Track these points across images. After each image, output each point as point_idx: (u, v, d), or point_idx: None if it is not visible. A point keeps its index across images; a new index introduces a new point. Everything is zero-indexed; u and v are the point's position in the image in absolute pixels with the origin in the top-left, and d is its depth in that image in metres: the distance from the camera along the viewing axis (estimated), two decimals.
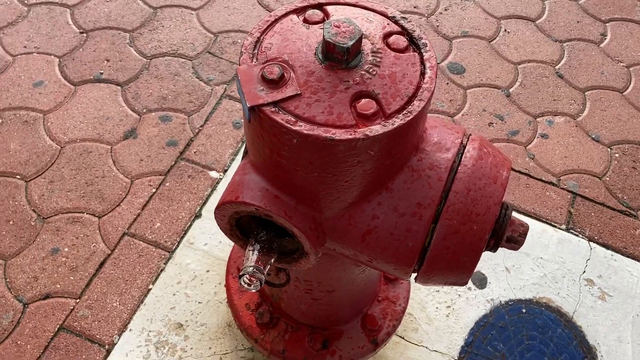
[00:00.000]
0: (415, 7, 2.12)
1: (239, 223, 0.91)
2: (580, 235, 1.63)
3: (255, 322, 1.22)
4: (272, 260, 0.85)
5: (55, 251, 1.47)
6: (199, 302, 1.42)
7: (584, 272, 1.57)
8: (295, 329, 1.22)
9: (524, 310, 1.49)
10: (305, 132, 0.71)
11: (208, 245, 1.51)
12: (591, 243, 1.62)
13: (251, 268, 0.80)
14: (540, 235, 1.61)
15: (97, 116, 1.73)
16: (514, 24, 2.11)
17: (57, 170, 1.61)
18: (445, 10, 2.12)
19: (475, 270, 1.41)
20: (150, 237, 1.51)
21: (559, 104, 1.90)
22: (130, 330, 1.37)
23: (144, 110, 1.76)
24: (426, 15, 2.10)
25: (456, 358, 1.41)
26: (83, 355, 1.33)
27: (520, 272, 1.55)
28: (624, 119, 1.88)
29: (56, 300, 1.40)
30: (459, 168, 0.84)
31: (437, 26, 2.07)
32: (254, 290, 0.81)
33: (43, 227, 1.50)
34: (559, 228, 1.64)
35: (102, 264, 1.46)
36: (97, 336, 1.36)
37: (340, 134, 0.72)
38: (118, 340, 1.36)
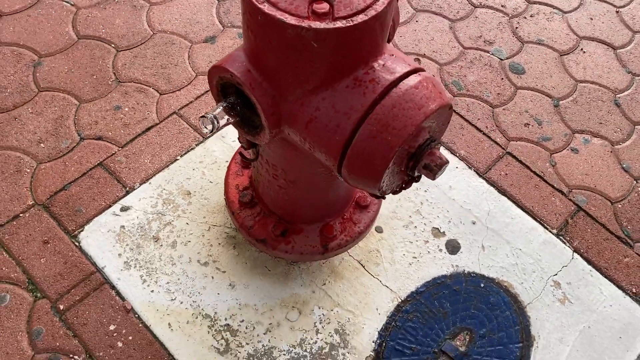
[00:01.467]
0: (502, 6, 2.23)
1: (225, 90, 1.14)
2: (568, 244, 1.70)
3: (238, 199, 1.46)
4: (231, 120, 1.08)
5: (118, 108, 1.79)
6: (210, 182, 1.68)
7: (556, 274, 1.65)
8: (267, 214, 1.44)
9: (482, 285, 1.61)
10: (266, 10, 0.93)
11: (235, 142, 1.77)
12: (575, 254, 1.69)
13: (210, 114, 1.04)
14: (528, 230, 1.71)
15: (190, 18, 2.03)
16: (593, 46, 2.15)
17: (143, 50, 1.93)
18: (531, 16, 2.21)
19: (451, 238, 1.57)
20: (193, 121, 1.79)
21: (603, 128, 1.95)
22: (149, 183, 1.67)
23: (229, 25, 2.04)
24: (510, 15, 2.20)
25: (402, 299, 1.56)
26: (108, 188, 1.64)
27: (494, 253, 1.66)
28: None
29: (104, 143, 1.72)
30: (394, 89, 1.01)
31: (516, 28, 2.17)
32: (205, 132, 1.04)
33: (116, 87, 1.83)
34: (550, 231, 1.72)
35: (148, 129, 1.77)
36: (124, 179, 1.66)
37: (290, 19, 0.92)
38: (138, 187, 1.65)
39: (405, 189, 1.19)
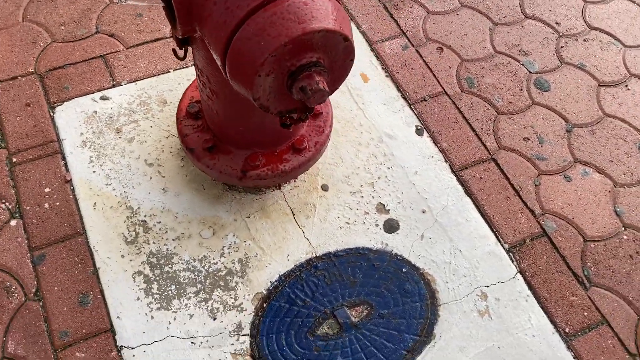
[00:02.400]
0: (556, 23, 2.11)
1: None
2: (515, 262, 1.59)
3: (186, 109, 1.52)
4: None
5: (139, 15, 1.93)
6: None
7: (487, 286, 1.55)
8: (205, 129, 1.49)
9: (404, 270, 1.56)
10: None
11: None
12: (518, 274, 1.58)
13: None
14: (478, 237, 1.62)
15: None
16: None
17: None
18: (584, 40, 2.07)
19: (393, 218, 1.54)
20: None
21: (612, 166, 1.79)
22: (135, 84, 1.78)
23: None
24: (560, 34, 2.08)
25: (316, 255, 1.55)
26: (98, 78, 1.77)
27: (431, 246, 1.59)
28: None
29: (114, 40, 1.86)
30: (286, 0, 1.02)
31: (561, 47, 2.04)
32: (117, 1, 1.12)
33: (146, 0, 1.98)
34: (501, 244, 1.62)
35: (157, 40, 1.89)
36: (115, 74, 1.79)
37: None
38: (124, 84, 1.78)
39: (302, 120, 1.19)
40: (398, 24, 2.02)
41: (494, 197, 1.69)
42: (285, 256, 1.54)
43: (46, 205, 1.55)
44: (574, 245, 1.64)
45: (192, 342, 1.40)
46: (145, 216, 1.55)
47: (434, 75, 1.91)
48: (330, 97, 1.37)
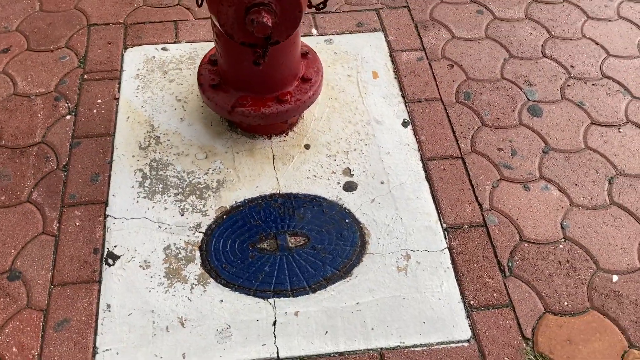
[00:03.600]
0: (571, 66, 2.30)
1: None
2: (447, 240, 1.79)
3: (209, 57, 1.94)
4: None
5: None
6: None
7: (414, 251, 1.77)
8: (218, 73, 1.90)
9: (347, 220, 1.83)
10: None
11: None
12: (446, 250, 1.78)
13: None
14: (422, 212, 1.84)
15: None
16: (634, 132, 2.10)
17: None
18: (593, 84, 2.24)
19: (353, 181, 1.84)
20: None
21: (574, 188, 1.93)
22: (192, 44, 2.25)
23: None
24: (571, 75, 2.26)
25: (279, 193, 1.87)
26: (167, 33, 2.27)
27: (377, 209, 1.85)
28: (615, 244, 1.82)
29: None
30: None
31: (567, 85, 2.22)
32: None
33: None
34: (440, 223, 1.83)
35: None
36: (180, 33, 2.28)
37: None
38: (184, 43, 2.26)
39: (261, 57, 1.55)
40: (421, 41, 2.33)
41: (449, 186, 1.91)
42: (255, 187, 1.87)
43: (94, 111, 2.03)
44: (509, 240, 1.80)
45: (159, 226, 1.77)
46: (160, 133, 1.98)
47: (437, 84, 2.19)
48: (338, 82, 1.72)
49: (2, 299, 1.62)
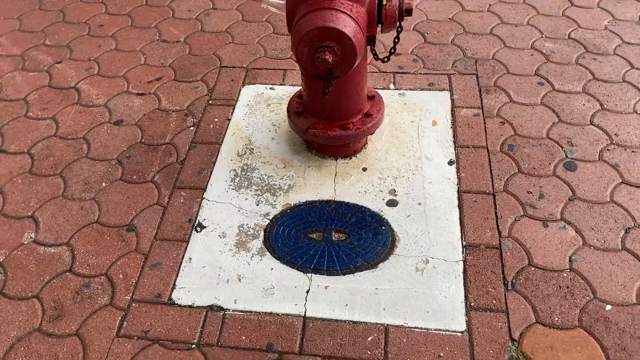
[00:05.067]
0: (615, 134, 2.58)
1: None
2: (463, 254, 2.15)
3: (299, 92, 2.53)
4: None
5: None
6: None
7: (433, 258, 2.15)
8: (304, 103, 2.47)
9: (383, 227, 2.25)
10: None
11: None
12: (461, 262, 2.13)
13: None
14: (448, 232, 2.22)
15: None
16: None
17: None
18: (633, 152, 2.50)
19: (396, 200, 2.29)
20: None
21: (591, 232, 2.19)
22: (292, 86, 2.87)
23: None
24: (613, 142, 2.54)
25: (335, 200, 2.35)
26: (276, 77, 2.92)
27: (410, 222, 2.26)
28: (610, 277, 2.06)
29: None
30: (323, 10, 1.99)
31: (607, 149, 2.51)
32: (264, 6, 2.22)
33: None
34: (461, 240, 2.19)
35: None
36: (287, 77, 2.92)
37: None
38: (285, 83, 2.88)
39: (327, 87, 2.10)
40: (481, 101, 2.75)
41: (476, 214, 2.27)
42: (316, 193, 2.37)
43: (211, 126, 2.68)
44: (517, 262, 2.11)
45: (238, 210, 2.32)
46: (254, 147, 2.57)
47: (486, 135, 2.58)
48: (401, 125, 2.24)
49: (120, 243, 2.23)
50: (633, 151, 2.48)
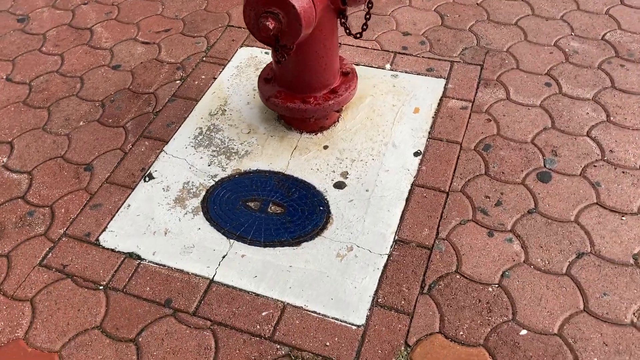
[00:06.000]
0: (610, 151, 2.33)
1: None
2: (391, 248, 2.06)
3: (264, 77, 2.49)
4: None
5: None
6: None
7: (358, 246, 2.07)
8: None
9: (321, 208, 2.20)
10: None
11: None
12: (385, 256, 2.04)
13: None
14: (384, 224, 2.13)
15: None
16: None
17: None
18: (623, 172, 2.26)
19: (344, 182, 2.22)
20: None
21: (538, 251, 2.01)
22: None
23: None
24: (605, 159, 2.30)
25: (285, 172, 2.32)
26: None
27: (350, 207, 2.19)
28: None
29: None
30: None
31: (594, 165, 2.28)
32: None
33: None
34: (394, 234, 2.10)
35: None
36: None
37: None
38: None
39: (278, 57, 2.05)
40: (475, 94, 2.58)
41: (421, 211, 2.16)
42: (269, 163, 2.35)
43: (196, 82, 2.72)
44: (444, 267, 1.99)
45: (189, 167, 2.35)
46: (227, 108, 2.58)
47: (465, 131, 2.42)
48: (381, 108, 2.19)
49: (74, 179, 2.34)
50: (623, 172, 2.23)
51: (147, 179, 2.32)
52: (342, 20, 2.21)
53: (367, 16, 2.22)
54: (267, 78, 2.39)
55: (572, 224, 2.08)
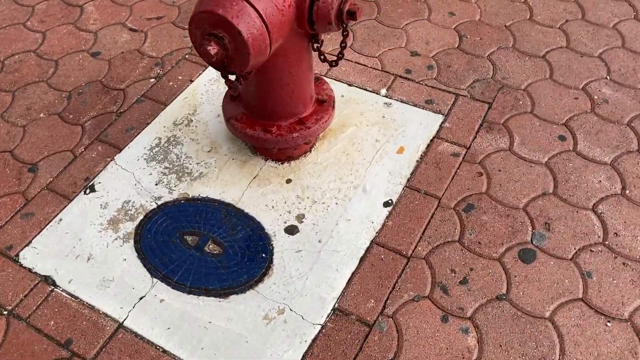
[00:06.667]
0: (615, 233, 1.96)
1: None
2: (326, 317, 1.80)
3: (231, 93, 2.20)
4: None
5: None
6: None
7: (291, 309, 1.82)
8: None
9: (264, 255, 1.94)
10: None
11: None
12: (318, 326, 1.79)
13: None
14: (327, 286, 1.86)
15: None
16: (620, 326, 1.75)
17: None
18: (624, 264, 1.90)
19: (298, 227, 1.96)
20: None
21: (496, 351, 1.73)
22: None
23: None
24: (606, 242, 1.94)
25: (236, 205, 2.07)
26: None
27: (295, 260, 1.92)
28: None
29: None
30: None
31: (591, 249, 1.92)
32: None
33: None
34: (336, 300, 1.83)
35: None
36: None
37: None
38: None
39: (228, 83, 1.78)
40: (473, 139, 2.23)
41: (373, 276, 1.87)
42: (221, 192, 2.11)
43: (171, 83, 2.48)
44: (379, 352, 1.71)
45: (135, 184, 2.14)
46: (195, 119, 2.34)
47: (449, 184, 2.10)
48: (361, 142, 1.96)
49: (15, 180, 2.17)
50: (624, 263, 1.87)
51: (87, 191, 2.12)
52: (316, 45, 1.91)
53: (343, 44, 1.92)
54: (233, 95, 2.12)
55: (545, 321, 1.75)
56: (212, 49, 1.63)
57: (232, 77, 1.77)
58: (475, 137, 2.23)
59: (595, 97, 2.36)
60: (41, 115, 2.40)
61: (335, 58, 1.96)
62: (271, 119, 2.02)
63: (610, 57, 2.51)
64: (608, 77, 2.43)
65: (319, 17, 1.74)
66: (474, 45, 2.59)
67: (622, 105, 2.32)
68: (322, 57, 1.96)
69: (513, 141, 2.22)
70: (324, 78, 2.22)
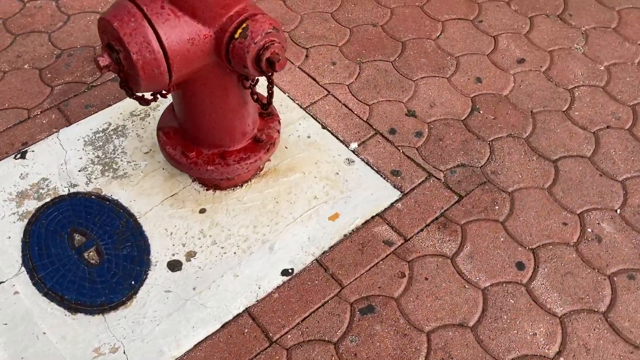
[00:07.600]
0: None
1: None
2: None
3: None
4: None
5: None
6: None
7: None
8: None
9: (132, 283, 1.82)
10: None
11: None
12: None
13: None
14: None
15: None
16: None
17: None
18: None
19: (185, 265, 1.81)
20: None
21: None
22: None
23: None
24: (593, 310, 1.61)
25: (141, 215, 1.95)
26: None
27: (157, 304, 1.78)
28: None
29: None
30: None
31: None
32: None
33: None
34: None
35: None
36: None
37: None
38: None
39: (131, 96, 1.65)
40: (419, 233, 1.94)
41: (222, 348, 1.69)
42: (133, 199, 2.00)
43: None
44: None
45: (61, 164, 2.08)
46: (152, 114, 2.23)
47: (362, 274, 1.84)
48: (294, 196, 1.84)
49: None
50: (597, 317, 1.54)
51: (18, 156, 2.11)
52: (248, 84, 1.72)
53: (270, 91, 1.71)
54: (170, 132, 1.97)
55: None
56: (103, 61, 1.51)
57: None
58: (421, 230, 1.93)
59: (589, 229, 1.95)
60: (25, 66, 2.41)
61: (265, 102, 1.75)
62: (195, 142, 1.87)
63: (635, 188, 2.06)
64: (619, 210, 2.00)
65: (234, 57, 1.55)
66: (483, 123, 2.24)
67: (615, 251, 1.89)
68: (254, 96, 1.76)
69: (461, 250, 1.89)
70: (278, 115, 2.01)
